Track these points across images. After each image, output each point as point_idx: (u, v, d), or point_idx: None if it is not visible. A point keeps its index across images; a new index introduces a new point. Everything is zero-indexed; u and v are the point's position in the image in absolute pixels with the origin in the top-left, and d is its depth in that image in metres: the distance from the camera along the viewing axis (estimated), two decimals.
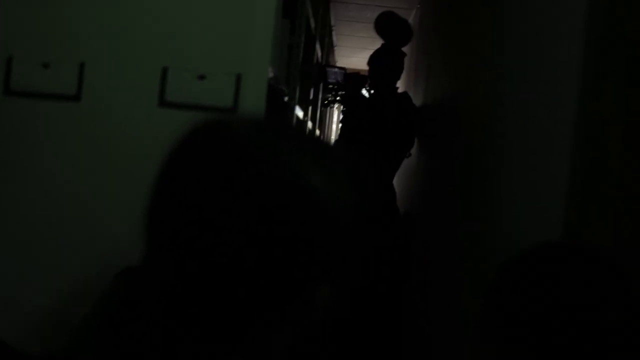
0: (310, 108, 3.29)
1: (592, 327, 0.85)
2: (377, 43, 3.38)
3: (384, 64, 3.30)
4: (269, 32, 1.40)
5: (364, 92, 3.58)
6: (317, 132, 4.29)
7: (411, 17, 4.56)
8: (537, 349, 0.87)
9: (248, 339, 0.60)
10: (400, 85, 3.76)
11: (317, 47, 3.47)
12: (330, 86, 3.61)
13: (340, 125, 3.61)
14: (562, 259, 0.92)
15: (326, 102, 3.78)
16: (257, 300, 0.57)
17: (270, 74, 2.05)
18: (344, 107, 3.68)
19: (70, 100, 1.47)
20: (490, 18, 1.84)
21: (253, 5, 1.40)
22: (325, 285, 0.60)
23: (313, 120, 3.78)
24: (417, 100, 3.50)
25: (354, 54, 5.96)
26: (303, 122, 3.10)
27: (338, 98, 3.67)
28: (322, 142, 0.64)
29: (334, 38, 5.32)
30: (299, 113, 2.91)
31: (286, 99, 2.33)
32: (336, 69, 3.61)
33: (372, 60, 3.35)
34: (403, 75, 3.52)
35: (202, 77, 1.42)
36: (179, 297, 0.58)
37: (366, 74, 3.47)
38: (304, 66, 3.09)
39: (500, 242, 1.42)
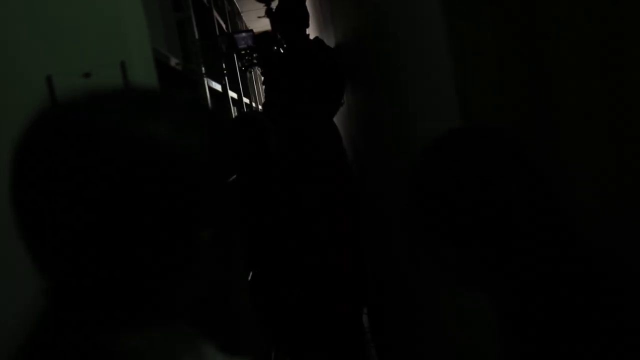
0: (227, 79, 3.26)
1: (498, 196, 0.89)
2: None
3: (287, 16, 3.28)
4: (139, 12, 1.39)
5: (279, 48, 3.55)
6: (246, 100, 4.27)
7: None
8: (454, 225, 0.91)
9: (151, 305, 0.61)
10: (311, 33, 3.74)
11: (217, 17, 3.41)
12: (243, 52, 3.58)
13: (263, 87, 3.59)
14: (469, 141, 0.97)
15: (243, 68, 3.75)
16: (144, 263, 0.58)
17: (175, 59, 2.02)
18: (262, 69, 3.65)
19: None
20: None
21: None
22: (206, 228, 0.61)
23: (236, 90, 3.76)
24: (329, 43, 3.49)
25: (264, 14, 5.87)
26: (223, 95, 3.08)
27: (254, 61, 3.64)
28: (169, 96, 0.65)
29: (237, 5, 5.25)
30: (216, 86, 2.88)
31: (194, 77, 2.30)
32: (244, 34, 3.57)
33: (275, 17, 3.32)
34: (312, 23, 3.50)
35: (87, 75, 1.39)
36: (71, 290, 0.59)
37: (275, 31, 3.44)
38: (207, 39, 3.05)
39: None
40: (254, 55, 3.57)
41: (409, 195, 0.99)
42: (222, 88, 3.09)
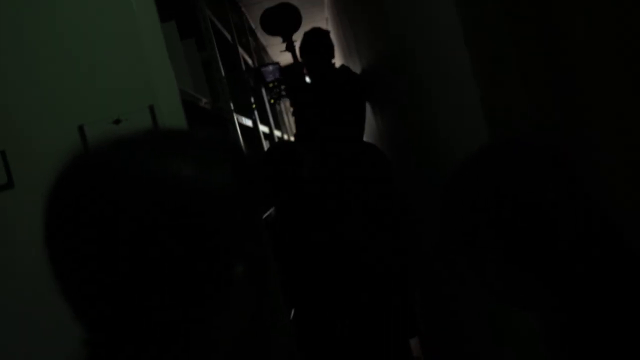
0: (257, 113, 3.29)
1: (537, 205, 0.87)
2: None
3: (311, 49, 3.31)
4: (164, 56, 1.41)
5: (306, 79, 3.58)
6: (277, 133, 4.29)
7: None
8: (495, 236, 0.89)
9: (187, 342, 0.61)
10: (337, 60, 3.76)
11: (242, 53, 3.46)
12: (271, 85, 3.61)
13: (294, 118, 3.60)
14: (504, 155, 0.95)
15: (272, 101, 3.78)
16: (180, 304, 0.58)
17: (203, 99, 2.05)
18: (291, 101, 3.68)
19: (5, 189, 1.47)
20: None
21: (138, 39, 1.40)
22: (239, 263, 0.61)
23: (266, 123, 3.78)
24: (355, 70, 3.50)
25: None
26: (254, 130, 3.10)
27: (283, 94, 3.67)
28: (190, 134, 0.66)
29: (262, 40, 5.31)
30: (247, 122, 2.91)
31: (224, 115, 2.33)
32: (270, 67, 3.60)
33: (301, 52, 3.36)
34: (337, 52, 3.51)
35: (118, 121, 1.42)
36: (109, 332, 0.59)
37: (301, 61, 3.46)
38: (234, 76, 3.09)
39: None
40: (282, 87, 3.60)
41: (447, 213, 0.98)
42: (253, 123, 3.12)
